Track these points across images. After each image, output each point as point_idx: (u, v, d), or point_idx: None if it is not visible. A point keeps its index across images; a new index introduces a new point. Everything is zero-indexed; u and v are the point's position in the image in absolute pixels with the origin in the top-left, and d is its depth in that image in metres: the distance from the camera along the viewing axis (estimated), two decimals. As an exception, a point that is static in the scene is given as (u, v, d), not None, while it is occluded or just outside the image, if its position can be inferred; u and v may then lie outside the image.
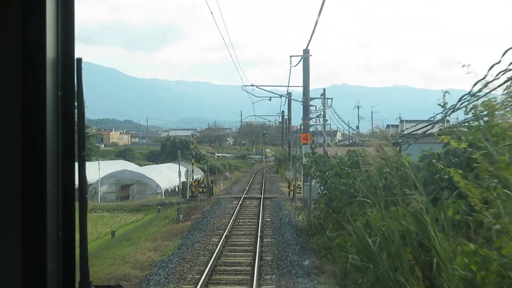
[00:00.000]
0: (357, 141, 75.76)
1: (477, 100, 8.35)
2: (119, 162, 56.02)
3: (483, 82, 7.47)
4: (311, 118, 31.17)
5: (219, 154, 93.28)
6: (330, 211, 21.83)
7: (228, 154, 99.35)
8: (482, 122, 7.75)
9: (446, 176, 8.13)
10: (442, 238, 6.56)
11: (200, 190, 36.80)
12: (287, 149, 60.47)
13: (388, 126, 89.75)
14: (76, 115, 1.62)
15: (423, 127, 20.46)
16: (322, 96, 33.15)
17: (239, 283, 13.62)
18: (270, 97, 34.53)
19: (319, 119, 32.57)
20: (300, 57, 29.77)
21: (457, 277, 5.53)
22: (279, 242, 18.86)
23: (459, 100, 9.68)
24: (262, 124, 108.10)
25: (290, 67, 30.48)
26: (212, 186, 38.26)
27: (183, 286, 13.25)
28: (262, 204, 31.13)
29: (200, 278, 13.46)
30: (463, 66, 8.18)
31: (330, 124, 38.57)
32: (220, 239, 19.21)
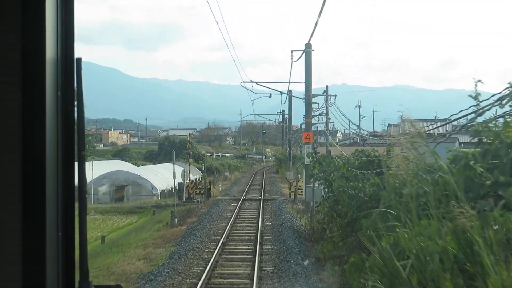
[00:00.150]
0: (358, 141, 74.48)
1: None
2: (115, 162, 54.52)
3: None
4: (314, 116, 29.66)
5: (219, 154, 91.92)
6: (334, 215, 20.41)
7: (228, 154, 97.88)
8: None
9: (488, 182, 6.65)
10: (494, 262, 5.08)
11: (197, 191, 35.27)
12: (288, 148, 59.04)
13: (389, 125, 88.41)
14: (75, 115, 1.62)
15: (442, 125, 19.05)
16: (325, 93, 31.63)
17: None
18: (270, 94, 32.97)
19: (322, 117, 31.04)
20: (302, 52, 28.27)
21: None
22: (280, 250, 17.37)
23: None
24: (262, 124, 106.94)
25: (291, 62, 29.03)
26: (210, 187, 36.74)
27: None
28: (262, 207, 29.62)
29: (191, 294, 11.98)
30: (478, 81, 7.37)
31: (333, 122, 37.07)
32: (217, 246, 17.73)
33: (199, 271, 14.55)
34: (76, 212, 1.62)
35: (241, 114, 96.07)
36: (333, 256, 15.47)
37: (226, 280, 13.73)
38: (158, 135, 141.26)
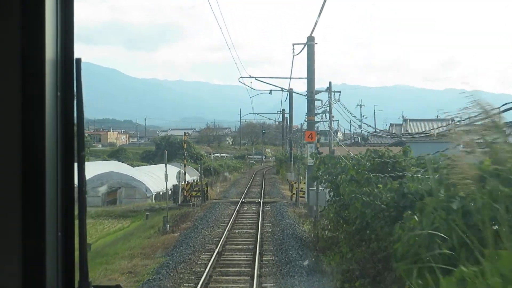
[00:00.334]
0: (359, 141, 72.72)
1: None
2: (110, 163, 52.56)
3: None
4: (317, 114, 27.80)
5: (218, 154, 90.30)
6: (341, 221, 18.63)
7: (227, 154, 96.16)
8: None
9: None
10: None
11: (194, 194, 33.40)
12: (288, 148, 57.15)
13: (391, 124, 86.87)
14: (75, 116, 1.62)
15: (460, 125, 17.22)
16: (328, 90, 29.76)
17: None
18: (271, 91, 31.14)
19: (325, 115, 29.15)
20: (303, 45, 26.43)
21: None
22: (282, 262, 15.50)
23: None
24: (262, 124, 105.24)
25: (293, 56, 27.15)
26: (207, 190, 34.86)
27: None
28: (262, 210, 27.76)
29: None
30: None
31: (338, 120, 35.25)
32: (211, 257, 15.91)
33: (189, 288, 12.72)
34: (76, 213, 1.61)
35: (240, 114, 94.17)
36: (343, 271, 13.63)
37: (220, 301, 11.90)
38: (157, 135, 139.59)
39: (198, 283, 12.92)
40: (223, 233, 20.47)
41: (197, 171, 47.24)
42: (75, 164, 1.61)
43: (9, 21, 1.48)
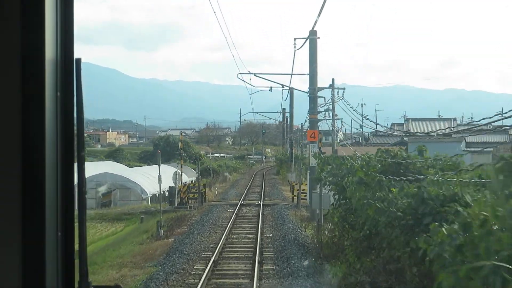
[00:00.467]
0: (360, 141, 71.38)
1: None
2: (107, 164, 51.23)
3: None
4: (319, 112, 26.46)
5: (217, 155, 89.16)
6: (346, 226, 17.33)
7: (227, 154, 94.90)
8: None
9: None
10: None
11: (191, 195, 32.06)
12: (289, 148, 55.81)
13: (393, 124, 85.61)
14: (75, 116, 1.62)
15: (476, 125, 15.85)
16: (331, 87, 28.40)
17: None
18: (271, 87, 29.77)
19: (328, 113, 27.76)
20: (305, 39, 25.12)
21: None
22: (285, 273, 14.18)
23: None
24: (262, 123, 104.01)
25: (294, 51, 25.79)
26: (205, 191, 33.51)
27: None
28: (262, 213, 26.44)
29: None
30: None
31: (342, 118, 33.78)
32: (206, 267, 14.60)
33: (180, 305, 11.40)
34: (76, 213, 1.61)
35: (240, 113, 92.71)
36: (351, 284, 12.33)
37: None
38: (156, 135, 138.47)
39: (191, 298, 11.61)
40: (221, 238, 19.16)
41: (196, 171, 45.93)
42: (75, 164, 1.61)
43: (9, 21, 1.49)
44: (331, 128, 30.89)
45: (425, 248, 7.15)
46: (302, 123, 57.04)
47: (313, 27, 24.95)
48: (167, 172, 34.42)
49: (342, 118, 29.73)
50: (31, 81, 1.49)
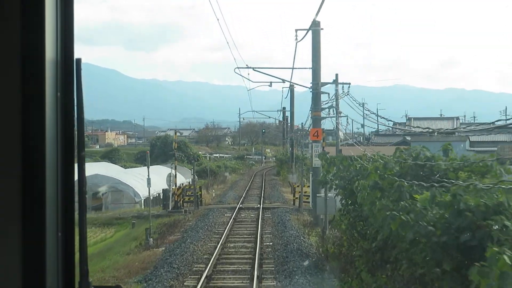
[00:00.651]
0: (361, 141, 69.57)
1: None
2: (101, 165, 49.39)
3: None
4: (323, 109, 24.62)
5: (217, 155, 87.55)
6: (355, 234, 15.57)
7: (226, 154, 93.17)
8: None
9: None
10: None
11: (186, 198, 30.21)
12: (290, 148, 53.96)
13: (394, 123, 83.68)
14: (75, 116, 1.62)
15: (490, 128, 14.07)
16: (335, 82, 26.56)
17: None
18: (271, 83, 27.90)
19: (332, 111, 25.88)
20: (307, 30, 23.30)
21: None
22: (286, 291, 12.35)
23: None
24: (261, 123, 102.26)
25: (296, 43, 23.93)
26: (201, 194, 31.65)
27: None
28: (262, 218, 24.61)
29: None
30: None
31: (347, 116, 31.97)
32: (198, 283, 12.79)
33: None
34: (76, 213, 1.61)
35: (240, 113, 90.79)
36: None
37: None
38: (156, 135, 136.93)
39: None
40: (216, 248, 17.35)
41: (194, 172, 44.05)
42: (75, 164, 1.60)
43: (9, 21, 1.49)
44: (334, 126, 29.07)
45: (478, 280, 5.34)
46: (302, 123, 55.34)
47: (315, 17, 23.12)
48: (163, 173, 32.66)
49: (347, 116, 27.92)
50: (31, 81, 1.49)
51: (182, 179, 40.35)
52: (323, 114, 26.49)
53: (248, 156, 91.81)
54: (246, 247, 18.04)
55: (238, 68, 26.37)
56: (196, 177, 46.96)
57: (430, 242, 7.81)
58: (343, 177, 15.35)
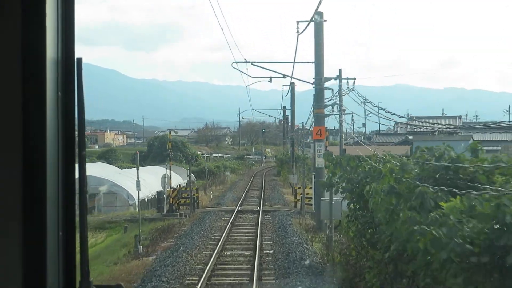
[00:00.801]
0: (363, 140, 68.13)
1: None
2: (96, 165, 47.91)
3: None
4: (326, 106, 23.15)
5: (216, 155, 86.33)
6: (364, 242, 14.13)
7: (226, 154, 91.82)
8: None
9: None
10: None
11: (182, 201, 28.74)
12: (290, 148, 52.50)
13: (396, 123, 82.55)
14: (76, 115, 1.63)
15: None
16: (338, 77, 25.10)
17: None
18: (270, 78, 26.41)
19: (336, 108, 24.42)
20: (308, 22, 21.83)
21: None
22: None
23: None
24: (261, 123, 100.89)
25: (297, 35, 22.44)
26: (197, 196, 30.17)
27: None
28: (261, 222, 23.13)
29: None
30: None
31: (352, 113, 30.59)
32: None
33: None
34: (77, 212, 1.61)
35: (239, 112, 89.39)
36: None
37: None
38: (155, 135, 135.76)
39: None
40: (211, 256, 15.89)
41: (192, 173, 42.59)
42: (76, 164, 1.60)
43: (10, 21, 1.48)
44: (338, 124, 27.59)
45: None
46: (303, 122, 53.89)
47: (317, 8, 21.64)
48: (160, 174, 31.18)
49: (352, 113, 26.47)
50: (31, 81, 1.49)
51: (179, 180, 38.88)
52: (325, 112, 24.99)
53: (248, 156, 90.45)
54: (244, 255, 16.56)
55: (236, 62, 24.84)
56: (194, 177, 45.70)
57: (467, 263, 6.36)
58: (350, 179, 13.88)
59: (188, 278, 13.68)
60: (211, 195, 37.61)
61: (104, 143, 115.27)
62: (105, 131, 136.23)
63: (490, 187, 7.29)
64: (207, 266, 14.62)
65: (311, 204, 27.41)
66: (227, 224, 22.63)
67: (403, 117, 20.41)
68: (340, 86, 24.08)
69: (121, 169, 51.58)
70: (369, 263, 13.01)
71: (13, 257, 1.47)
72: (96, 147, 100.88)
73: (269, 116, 78.19)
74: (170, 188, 27.89)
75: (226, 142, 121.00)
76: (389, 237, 11.31)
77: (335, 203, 17.21)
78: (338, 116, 26.58)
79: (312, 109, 23.87)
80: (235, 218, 24.77)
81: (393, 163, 11.45)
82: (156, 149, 63.34)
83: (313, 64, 22.30)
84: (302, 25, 22.40)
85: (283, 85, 45.01)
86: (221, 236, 19.42)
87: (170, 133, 32.61)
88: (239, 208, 28.54)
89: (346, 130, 69.15)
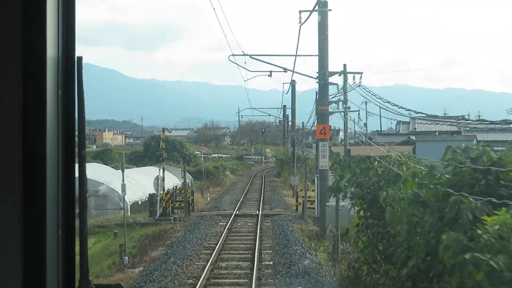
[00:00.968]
0: (363, 140, 66.54)
1: None
2: (90, 166, 46.24)
3: None
4: (331, 103, 21.48)
5: (216, 155, 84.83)
6: (377, 256, 12.53)
7: (226, 154, 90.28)
8: None
9: None
10: None
11: (177, 204, 27.07)
12: (291, 148, 50.87)
13: (398, 122, 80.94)
14: (76, 114, 1.62)
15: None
16: (343, 72, 23.44)
17: None
18: (270, 72, 24.74)
19: (341, 104, 22.73)
20: (311, 11, 20.18)
21: None
22: None
23: None
24: (261, 122, 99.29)
25: (300, 26, 20.76)
26: (193, 199, 28.49)
27: None
28: (260, 228, 21.48)
29: None
30: None
31: (359, 111, 28.92)
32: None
33: None
34: (77, 211, 1.60)
35: (239, 111, 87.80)
36: None
37: None
38: (154, 135, 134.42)
39: None
40: (204, 268, 14.25)
41: (189, 174, 40.93)
42: (76, 163, 1.60)
43: (10, 19, 1.48)
44: (338, 124, 25.97)
45: None
46: (303, 122, 52.25)
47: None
48: (154, 175, 29.52)
49: (359, 111, 24.82)
50: (32, 80, 1.50)
51: (176, 181, 37.21)
52: (329, 109, 23.30)
53: (247, 156, 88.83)
54: (241, 267, 14.90)
55: (233, 55, 23.16)
56: (192, 178, 44.06)
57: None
58: (360, 184, 12.26)
59: (176, 296, 12.02)
60: (208, 198, 35.93)
61: (103, 143, 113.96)
62: (104, 131, 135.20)
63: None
64: (198, 280, 12.97)
65: (313, 208, 25.80)
66: (224, 230, 20.99)
67: (420, 112, 18.68)
68: (345, 80, 22.42)
69: (116, 169, 49.96)
70: (383, 280, 11.39)
71: (13, 257, 1.46)
72: (94, 147, 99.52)
73: (269, 115, 76.64)
74: (164, 190, 26.22)
75: (226, 142, 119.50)
76: (406, 251, 9.72)
77: (342, 209, 15.56)
78: (342, 114, 24.96)
79: (315, 106, 22.23)
80: (232, 223, 23.13)
81: (413, 166, 9.79)
82: (152, 149, 61.58)
83: (317, 57, 20.71)
84: (304, 16, 20.77)
85: (283, 83, 43.44)
86: (217, 244, 17.77)
87: (163, 131, 30.76)
88: (237, 212, 26.87)
89: (351, 129, 67.68)
